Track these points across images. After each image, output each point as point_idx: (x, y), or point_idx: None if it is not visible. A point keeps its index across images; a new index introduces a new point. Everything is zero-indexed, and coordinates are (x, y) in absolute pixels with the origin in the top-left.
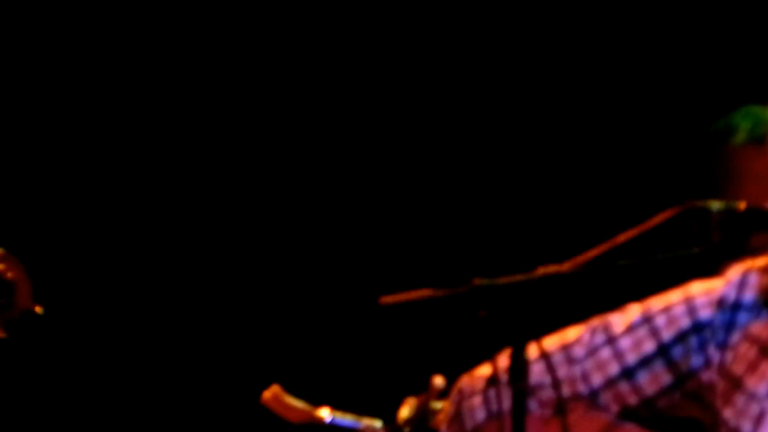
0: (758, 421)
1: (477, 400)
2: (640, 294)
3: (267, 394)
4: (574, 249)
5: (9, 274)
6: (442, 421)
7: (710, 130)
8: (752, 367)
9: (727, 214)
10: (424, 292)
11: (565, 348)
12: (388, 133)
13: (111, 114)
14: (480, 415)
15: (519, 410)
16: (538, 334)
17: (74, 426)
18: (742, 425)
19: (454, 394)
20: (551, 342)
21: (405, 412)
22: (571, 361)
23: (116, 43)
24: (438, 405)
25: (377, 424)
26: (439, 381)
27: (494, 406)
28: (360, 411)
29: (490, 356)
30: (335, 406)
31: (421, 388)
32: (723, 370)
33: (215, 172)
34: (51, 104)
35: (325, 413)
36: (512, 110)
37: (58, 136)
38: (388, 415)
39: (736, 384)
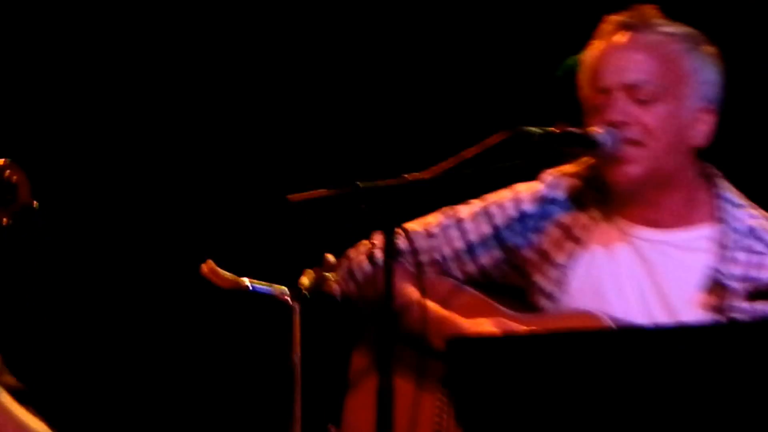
0: (558, 282)
1: (363, 258)
2: (480, 194)
3: (204, 267)
4: (432, 160)
5: (13, 178)
6: (331, 287)
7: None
8: (557, 245)
9: (545, 136)
10: (321, 192)
11: (425, 227)
12: (294, 48)
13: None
14: (367, 268)
15: (389, 277)
16: (405, 221)
17: (61, 288)
18: (546, 287)
19: (343, 260)
20: (415, 223)
21: (305, 280)
22: (429, 236)
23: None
24: (330, 275)
25: (285, 289)
26: (330, 257)
27: (376, 260)
28: (272, 280)
29: (369, 238)
30: (254, 277)
31: (317, 263)
32: (537, 248)
33: (160, 82)
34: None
35: (246, 281)
36: (376, 33)
37: (57, 58)
38: (293, 283)
39: (545, 257)
